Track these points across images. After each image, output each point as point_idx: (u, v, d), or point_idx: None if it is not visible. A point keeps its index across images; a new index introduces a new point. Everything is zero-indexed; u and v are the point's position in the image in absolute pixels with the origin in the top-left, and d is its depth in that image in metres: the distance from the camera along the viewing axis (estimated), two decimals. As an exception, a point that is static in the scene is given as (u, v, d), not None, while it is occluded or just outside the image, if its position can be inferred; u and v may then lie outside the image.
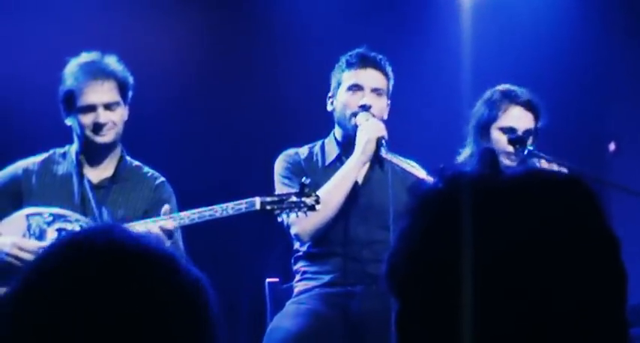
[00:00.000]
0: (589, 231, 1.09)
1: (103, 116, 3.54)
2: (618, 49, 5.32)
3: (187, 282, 1.15)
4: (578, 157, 4.43)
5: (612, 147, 5.07)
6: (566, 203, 1.09)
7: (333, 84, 3.88)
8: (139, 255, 1.14)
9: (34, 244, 3.36)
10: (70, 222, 3.44)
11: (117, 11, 4.84)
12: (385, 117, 3.82)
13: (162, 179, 3.72)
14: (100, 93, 3.55)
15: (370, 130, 3.69)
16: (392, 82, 3.88)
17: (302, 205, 3.49)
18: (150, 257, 1.15)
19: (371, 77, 3.81)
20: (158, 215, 3.42)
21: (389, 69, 3.86)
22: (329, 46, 4.37)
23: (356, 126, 3.74)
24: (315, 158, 3.91)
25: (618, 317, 1.09)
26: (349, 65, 3.83)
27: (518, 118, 3.93)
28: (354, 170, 3.72)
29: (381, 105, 3.80)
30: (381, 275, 1.15)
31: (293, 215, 3.54)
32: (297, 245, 3.85)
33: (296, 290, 3.82)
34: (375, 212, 3.74)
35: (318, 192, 3.54)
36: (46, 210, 3.47)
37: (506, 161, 3.88)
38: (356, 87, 3.80)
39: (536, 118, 3.96)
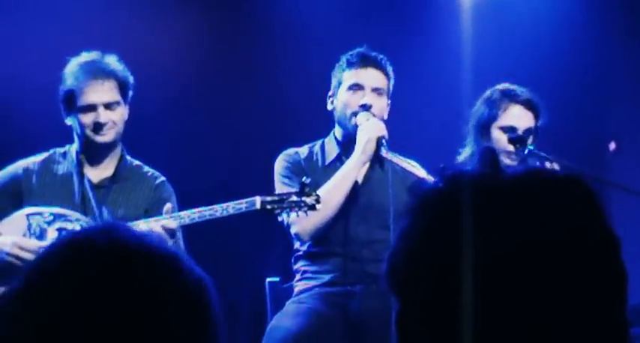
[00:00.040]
0: (589, 230, 1.09)
1: (104, 115, 3.54)
2: (618, 48, 5.32)
3: (190, 282, 1.15)
4: (578, 157, 4.43)
5: (612, 146, 5.07)
6: (567, 202, 1.09)
7: (334, 83, 3.88)
8: (143, 253, 1.14)
9: (34, 243, 3.36)
10: (70, 221, 3.44)
11: (117, 11, 4.84)
12: (385, 116, 3.82)
13: (163, 178, 3.72)
14: (101, 92, 3.55)
15: (371, 130, 3.69)
16: (392, 81, 3.88)
17: (302, 205, 3.49)
18: (153, 256, 1.14)
19: (372, 77, 3.81)
20: (159, 214, 3.42)
21: (389, 69, 3.86)
22: (329, 46, 4.37)
23: (356, 126, 3.74)
24: (315, 157, 3.91)
25: (618, 316, 1.09)
26: (350, 64, 3.83)
27: (519, 117, 3.94)
28: (354, 169, 3.72)
29: (381, 105, 3.80)
30: (381, 274, 1.15)
31: (293, 214, 3.54)
32: (297, 244, 3.85)
33: (296, 289, 3.82)
34: (375, 211, 3.74)
35: (318, 192, 3.54)
36: (47, 210, 3.47)
37: (506, 160, 3.88)
38: (357, 87, 3.80)
39: (536, 117, 3.97)
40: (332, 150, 3.90)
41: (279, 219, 3.63)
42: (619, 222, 1.18)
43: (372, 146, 3.68)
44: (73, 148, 3.65)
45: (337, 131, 3.91)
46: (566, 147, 4.50)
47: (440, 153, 4.02)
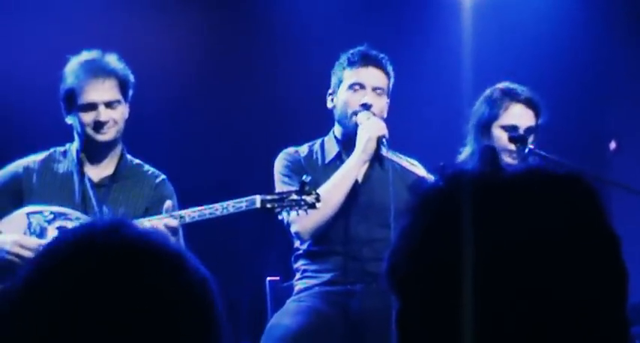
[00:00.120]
0: (590, 229, 1.09)
1: (104, 114, 3.54)
2: (619, 47, 5.32)
3: (195, 280, 1.14)
4: (578, 156, 4.43)
5: (613, 145, 5.07)
6: (567, 201, 1.09)
7: (334, 81, 3.88)
8: (149, 251, 1.13)
9: (35, 241, 3.36)
10: (70, 220, 3.44)
11: (117, 11, 4.84)
12: (385, 115, 3.82)
13: (163, 177, 3.72)
14: (101, 91, 3.55)
15: (371, 129, 3.69)
16: (392, 80, 3.88)
17: (302, 203, 3.49)
18: (159, 253, 1.13)
19: (372, 76, 3.81)
20: (159, 213, 3.42)
21: (390, 68, 3.86)
22: (329, 45, 4.36)
23: (356, 125, 3.74)
24: (315, 156, 3.91)
25: (619, 315, 1.09)
26: (351, 63, 3.83)
27: (520, 116, 3.94)
28: (354, 168, 3.72)
29: (381, 104, 3.80)
30: (382, 273, 1.14)
31: (293, 213, 3.53)
32: (297, 243, 3.85)
33: (296, 288, 3.83)
34: (375, 210, 3.74)
35: (318, 190, 3.54)
36: (47, 208, 3.47)
37: (507, 159, 3.88)
38: (357, 86, 3.80)
39: (537, 116, 3.97)
40: (332, 149, 3.90)
41: (279, 217, 3.63)
42: (619, 220, 1.18)
43: (373, 145, 3.69)
44: (74, 147, 3.65)
45: (337, 130, 3.91)
46: (566, 146, 4.50)
47: (440, 151, 4.01)
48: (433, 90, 5.07)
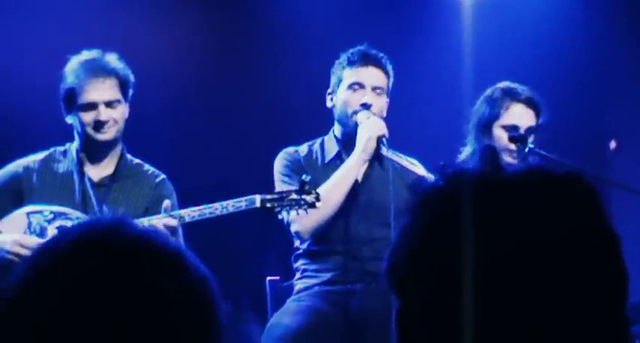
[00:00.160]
0: (590, 228, 1.09)
1: (104, 114, 3.54)
2: (619, 47, 5.32)
3: (195, 279, 1.14)
4: (578, 155, 4.43)
5: (613, 145, 5.07)
6: (567, 201, 1.09)
7: (333, 80, 3.88)
8: (149, 250, 1.13)
9: (35, 241, 3.36)
10: (70, 219, 3.44)
11: (117, 11, 4.84)
12: (384, 115, 3.82)
13: (163, 176, 3.72)
14: (101, 90, 3.55)
15: (371, 128, 3.69)
16: (392, 80, 3.88)
17: (302, 203, 3.49)
18: (159, 252, 1.13)
19: (372, 75, 3.81)
20: (159, 212, 3.42)
21: (389, 67, 3.86)
22: (329, 46, 4.36)
23: (356, 124, 3.74)
24: (314, 155, 3.91)
25: (619, 314, 1.09)
26: (350, 63, 3.83)
27: (520, 116, 3.94)
28: (354, 168, 3.72)
29: (380, 104, 3.80)
30: (382, 272, 1.14)
31: (293, 212, 3.53)
32: (297, 243, 3.85)
33: (296, 287, 3.82)
34: (375, 209, 3.74)
35: (318, 190, 3.54)
36: (47, 208, 3.47)
37: (507, 159, 3.88)
38: (357, 86, 3.80)
39: (537, 115, 3.97)
40: (332, 148, 3.90)
41: (279, 217, 3.63)
42: (619, 220, 1.18)
43: (373, 144, 3.69)
44: (74, 147, 3.65)
45: (337, 129, 3.91)
46: (566, 146, 4.50)
47: (440, 151, 4.01)
48: (433, 90, 5.08)
